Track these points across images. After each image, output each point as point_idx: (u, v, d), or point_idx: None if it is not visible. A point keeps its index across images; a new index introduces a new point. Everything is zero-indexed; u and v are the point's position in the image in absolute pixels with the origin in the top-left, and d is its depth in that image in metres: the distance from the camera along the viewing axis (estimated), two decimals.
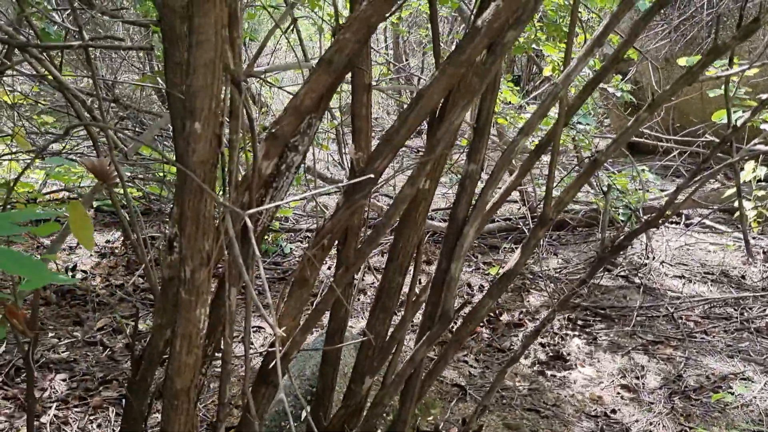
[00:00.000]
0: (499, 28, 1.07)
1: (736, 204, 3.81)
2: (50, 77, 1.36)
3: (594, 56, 1.23)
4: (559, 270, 4.01)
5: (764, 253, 4.05)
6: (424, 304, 1.49)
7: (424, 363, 1.45)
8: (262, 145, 1.16)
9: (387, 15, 1.08)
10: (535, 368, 2.92)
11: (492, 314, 3.44)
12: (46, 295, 3.25)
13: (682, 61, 3.54)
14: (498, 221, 4.58)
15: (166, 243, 1.16)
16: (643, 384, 2.78)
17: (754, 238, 4.13)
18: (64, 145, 3.64)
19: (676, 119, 5.51)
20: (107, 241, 4.14)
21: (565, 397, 2.69)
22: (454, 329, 2.82)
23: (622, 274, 3.87)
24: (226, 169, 1.02)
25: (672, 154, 4.86)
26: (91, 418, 2.37)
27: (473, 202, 1.39)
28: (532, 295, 3.68)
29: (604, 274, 3.83)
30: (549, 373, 2.88)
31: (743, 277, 3.83)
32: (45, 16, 1.56)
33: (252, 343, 2.94)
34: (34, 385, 1.23)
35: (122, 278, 3.62)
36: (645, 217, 3.71)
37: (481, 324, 3.32)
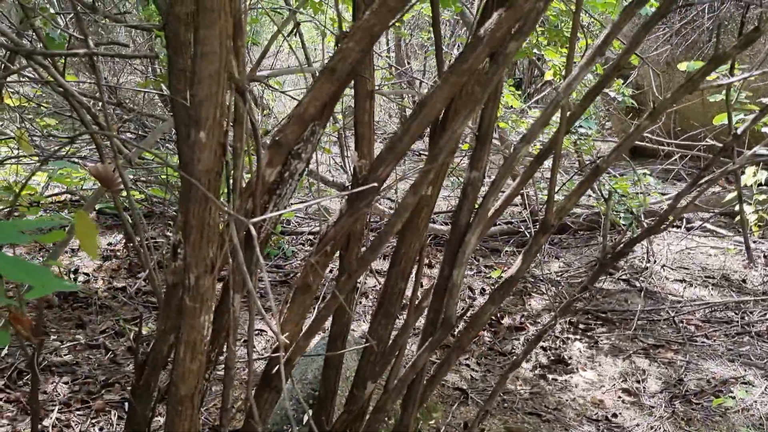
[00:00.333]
0: (501, 38, 1.08)
1: (736, 208, 3.82)
2: (55, 83, 1.37)
3: (595, 63, 1.24)
4: (560, 274, 4.02)
5: (765, 257, 4.06)
6: (426, 309, 1.50)
7: (427, 368, 1.46)
8: (265, 153, 1.17)
9: (390, 24, 1.09)
10: (536, 372, 2.93)
11: (493, 318, 3.44)
12: (48, 298, 3.27)
13: (683, 66, 3.55)
14: (499, 225, 4.59)
15: (170, 249, 1.17)
16: (644, 388, 2.78)
17: (754, 242, 4.14)
18: (68, 149, 3.65)
19: (677, 123, 5.52)
20: (109, 244, 4.15)
21: (567, 400, 2.70)
22: (456, 334, 2.82)
23: (623, 277, 3.88)
24: (230, 177, 1.03)
25: (673, 158, 4.86)
26: (93, 421, 2.38)
27: (475, 208, 1.40)
28: (534, 298, 3.69)
29: (605, 277, 3.83)
30: (550, 376, 2.89)
31: (744, 281, 3.84)
32: (49, 22, 1.57)
33: (254, 347, 2.95)
34: (38, 390, 1.24)
35: (124, 281, 3.63)
36: (646, 221, 3.72)
37: (483, 328, 3.33)
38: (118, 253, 3.99)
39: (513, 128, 3.89)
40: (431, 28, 7.68)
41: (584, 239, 4.56)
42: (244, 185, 1.18)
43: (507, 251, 4.32)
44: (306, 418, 2.15)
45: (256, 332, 3.09)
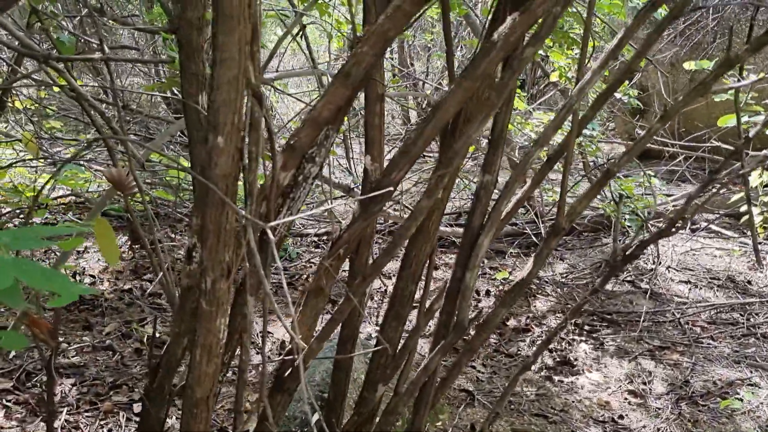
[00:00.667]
0: (515, 43, 1.08)
1: (741, 209, 3.82)
2: (66, 87, 1.37)
3: (608, 67, 1.24)
4: (565, 275, 4.02)
5: None
6: (437, 312, 1.51)
7: (438, 371, 1.46)
8: (279, 157, 1.18)
9: (404, 29, 1.10)
10: (542, 373, 2.93)
11: None
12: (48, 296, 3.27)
13: (689, 65, 3.55)
14: (505, 226, 4.59)
15: (185, 253, 1.18)
16: (650, 389, 2.79)
17: (760, 243, 4.13)
18: (83, 153, 3.66)
19: (681, 124, 5.52)
20: None
21: (573, 402, 2.70)
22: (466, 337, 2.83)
23: (629, 279, 3.88)
24: (246, 181, 1.04)
25: (678, 159, 4.86)
26: (102, 423, 2.39)
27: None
28: (539, 300, 3.69)
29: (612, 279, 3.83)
30: (556, 378, 2.89)
31: (749, 282, 3.84)
32: (59, 26, 1.58)
33: (260, 348, 2.96)
34: (54, 393, 1.24)
35: (130, 283, 3.64)
36: (652, 222, 3.72)
37: (494, 331, 3.33)
38: (124, 255, 4.00)
39: (518, 130, 3.89)
40: (433, 30, 7.68)
41: (589, 240, 4.56)
42: (258, 189, 1.18)
43: (512, 253, 4.33)
44: (314, 419, 2.16)
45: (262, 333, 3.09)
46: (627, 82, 4.60)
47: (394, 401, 1.47)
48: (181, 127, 2.48)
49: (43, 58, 1.12)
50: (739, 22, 5.75)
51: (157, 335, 2.99)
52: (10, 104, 3.17)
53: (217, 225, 0.98)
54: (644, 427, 2.53)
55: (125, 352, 2.88)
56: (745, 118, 3.43)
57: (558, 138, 2.83)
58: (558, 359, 3.05)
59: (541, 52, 3.64)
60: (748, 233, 4.24)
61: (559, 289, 3.77)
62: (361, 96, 1.45)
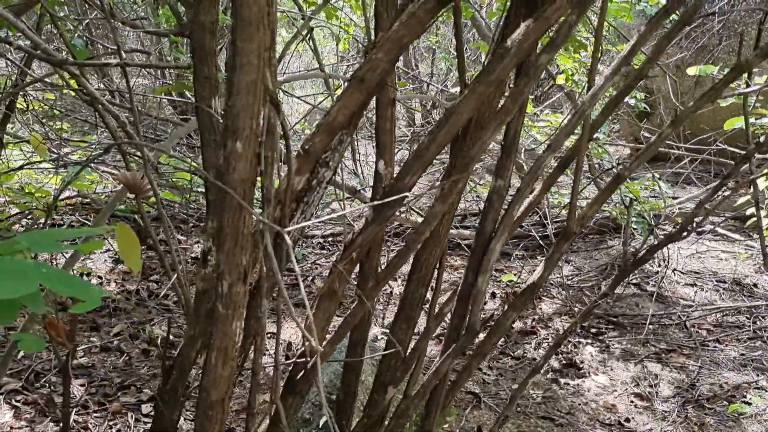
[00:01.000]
0: (528, 49, 1.09)
1: (747, 212, 3.82)
2: (81, 90, 1.38)
3: (620, 74, 1.25)
4: (570, 277, 4.02)
5: None
6: (447, 315, 1.51)
7: (449, 374, 1.47)
8: (294, 161, 1.19)
9: (419, 35, 1.11)
10: (548, 376, 2.94)
11: None
12: (62, 300, 3.29)
13: (692, 71, 3.55)
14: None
15: (200, 256, 1.19)
16: (656, 392, 2.79)
17: (767, 246, 4.13)
18: (95, 157, 3.67)
19: (687, 126, 5.52)
20: None
21: (579, 405, 2.71)
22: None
23: (635, 281, 3.88)
24: (263, 185, 1.05)
25: (683, 162, 4.86)
26: (111, 423, 2.40)
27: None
28: (545, 302, 3.70)
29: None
30: (562, 381, 2.90)
31: (756, 285, 3.84)
32: (76, 30, 1.59)
33: (267, 350, 2.97)
34: (69, 393, 1.25)
35: (137, 284, 3.65)
36: (660, 225, 3.72)
37: (504, 334, 3.34)
38: (121, 255, 4.01)
39: (524, 132, 3.90)
40: (438, 32, 7.69)
41: (594, 243, 4.57)
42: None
43: (517, 255, 4.33)
44: (322, 421, 2.17)
45: (269, 335, 3.11)
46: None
47: (405, 404, 1.48)
48: (189, 130, 2.50)
49: (61, 63, 1.13)
50: (746, 25, 5.74)
51: (164, 336, 3.00)
52: (19, 105, 3.18)
53: (234, 229, 0.99)
54: (651, 430, 2.53)
55: (133, 353, 2.89)
56: (752, 121, 3.43)
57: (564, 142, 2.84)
58: (564, 362, 3.05)
59: None
60: (754, 236, 4.24)
61: (564, 292, 3.77)
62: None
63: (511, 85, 1.22)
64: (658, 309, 3.56)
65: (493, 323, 1.44)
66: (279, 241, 1.17)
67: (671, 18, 1.28)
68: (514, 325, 3.42)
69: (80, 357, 2.83)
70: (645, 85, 6.08)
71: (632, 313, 3.54)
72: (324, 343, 1.34)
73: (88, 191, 4.46)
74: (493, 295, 3.79)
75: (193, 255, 4.05)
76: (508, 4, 1.30)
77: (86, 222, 4.13)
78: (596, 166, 4.63)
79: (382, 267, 1.46)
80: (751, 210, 3.53)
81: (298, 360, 1.36)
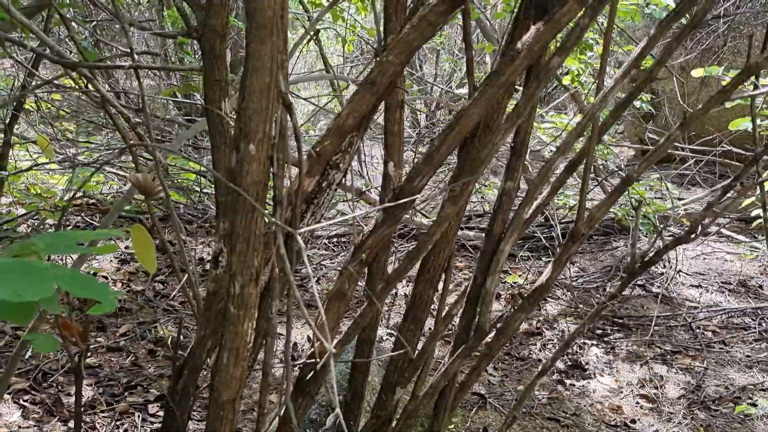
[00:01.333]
0: (539, 52, 1.10)
1: (752, 213, 3.82)
2: (92, 92, 1.39)
3: (630, 77, 1.25)
4: (575, 279, 4.03)
5: None
6: (454, 316, 1.52)
7: (458, 375, 1.48)
8: (304, 163, 1.20)
9: (429, 38, 1.11)
10: (554, 377, 2.94)
11: None
12: (69, 300, 3.30)
13: (697, 73, 3.55)
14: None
15: (211, 258, 1.20)
16: (662, 394, 2.79)
17: None
18: (108, 160, 3.69)
19: (691, 127, 5.51)
20: (126, 247, 4.18)
21: (585, 406, 2.71)
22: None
23: (640, 283, 3.89)
24: (275, 187, 1.06)
25: (688, 163, 4.86)
26: (118, 423, 2.41)
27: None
28: (549, 303, 3.70)
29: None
30: (568, 382, 2.90)
31: (761, 286, 3.84)
32: (89, 31, 1.60)
33: (276, 351, 2.97)
34: (81, 393, 1.26)
35: (142, 284, 3.66)
36: (666, 227, 3.72)
37: (513, 335, 3.34)
38: (136, 256, 4.02)
39: (529, 132, 3.89)
40: (442, 33, 7.69)
41: (599, 244, 4.57)
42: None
43: (522, 256, 4.34)
44: (329, 421, 2.18)
45: (279, 337, 3.11)
46: None
47: (413, 404, 1.49)
48: (196, 131, 2.51)
49: (74, 65, 1.14)
50: (751, 26, 5.74)
51: (174, 336, 3.01)
52: (27, 106, 3.20)
53: (247, 231, 1.00)
54: (656, 431, 2.53)
55: (139, 353, 2.90)
56: (757, 122, 3.42)
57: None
58: (570, 363, 3.06)
59: None
60: (760, 237, 4.24)
61: (569, 293, 3.78)
62: None
63: (520, 87, 1.23)
64: (663, 310, 3.56)
65: (501, 324, 1.45)
66: (290, 242, 1.17)
67: (680, 21, 1.28)
68: (520, 326, 3.42)
69: (87, 357, 2.84)
70: (650, 87, 6.08)
71: (638, 314, 3.54)
72: (334, 343, 1.34)
73: (93, 192, 4.47)
74: (498, 296, 3.79)
75: (198, 256, 4.06)
76: (517, 6, 1.31)
77: (92, 222, 4.15)
78: (601, 167, 4.63)
79: (389, 268, 1.47)
80: (757, 211, 3.53)
81: (307, 361, 1.37)
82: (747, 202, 3.57)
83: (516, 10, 1.34)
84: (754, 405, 2.63)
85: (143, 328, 3.12)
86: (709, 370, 2.97)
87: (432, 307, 1.62)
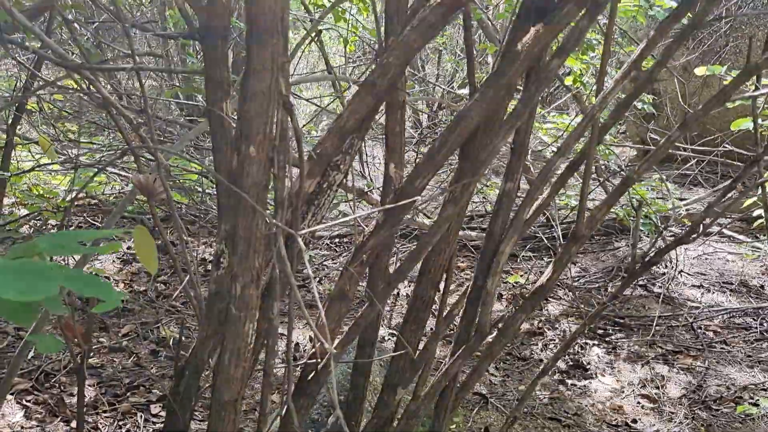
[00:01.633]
0: (539, 53, 1.10)
1: (754, 213, 3.82)
2: (94, 94, 1.40)
3: (629, 78, 1.26)
4: (577, 279, 4.03)
5: None
6: (455, 317, 1.53)
7: (459, 375, 1.48)
8: (305, 165, 1.20)
9: (430, 40, 1.12)
10: (555, 377, 2.94)
11: None
12: (71, 300, 3.31)
13: (700, 71, 3.55)
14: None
15: (213, 259, 1.20)
16: (663, 394, 2.79)
17: None
18: (111, 161, 3.70)
19: (693, 127, 5.51)
20: (129, 248, 4.19)
21: (586, 406, 2.71)
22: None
23: (641, 283, 3.89)
24: (276, 189, 1.06)
25: (690, 163, 4.86)
26: (120, 423, 2.41)
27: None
28: (551, 303, 3.70)
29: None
30: (569, 382, 2.90)
31: (762, 287, 3.84)
32: (92, 34, 1.61)
33: (278, 351, 2.98)
34: (84, 393, 1.27)
35: (144, 285, 3.67)
36: (667, 227, 3.72)
37: (514, 336, 3.35)
38: (138, 257, 4.03)
39: (532, 134, 3.90)
40: (445, 33, 7.69)
41: (600, 244, 4.57)
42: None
43: (524, 256, 4.34)
44: (331, 421, 2.18)
45: (280, 337, 3.12)
46: None
47: (415, 405, 1.49)
48: (198, 132, 2.51)
49: (77, 67, 1.15)
50: (753, 26, 5.74)
51: (176, 337, 3.02)
52: (29, 107, 3.21)
53: (247, 232, 1.01)
54: (657, 431, 2.53)
55: (142, 354, 2.91)
56: (759, 122, 3.42)
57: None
58: (571, 363, 3.06)
59: None
60: (761, 237, 4.24)
61: (571, 293, 3.78)
62: None
63: (521, 89, 1.24)
64: (664, 310, 3.56)
65: (502, 325, 1.45)
66: (291, 244, 1.18)
67: (681, 22, 1.29)
68: (521, 326, 3.43)
69: (89, 357, 2.84)
70: (652, 87, 6.08)
71: (639, 314, 3.54)
72: (335, 344, 1.35)
73: (96, 192, 4.48)
74: (500, 296, 3.80)
75: (201, 256, 4.07)
76: (517, 7, 1.31)
77: (94, 223, 4.16)
78: (602, 167, 4.63)
79: (390, 269, 1.48)
80: (759, 212, 3.53)
81: (309, 361, 1.38)
82: (749, 202, 3.58)
83: (516, 11, 1.35)
84: (756, 405, 2.63)
85: (145, 329, 3.12)
86: (710, 370, 2.97)
87: (434, 307, 1.63)
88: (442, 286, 1.54)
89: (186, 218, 4.52)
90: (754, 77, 1.82)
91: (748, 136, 3.32)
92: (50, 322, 2.56)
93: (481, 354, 1.47)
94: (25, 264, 0.80)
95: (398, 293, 3.73)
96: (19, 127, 5.03)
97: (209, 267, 3.02)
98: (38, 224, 3.89)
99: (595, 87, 1.35)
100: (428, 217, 4.20)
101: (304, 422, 2.18)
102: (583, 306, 3.63)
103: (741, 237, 4.52)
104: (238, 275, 1.04)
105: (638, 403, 2.74)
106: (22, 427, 2.31)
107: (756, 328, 3.34)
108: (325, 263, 4.16)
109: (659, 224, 3.54)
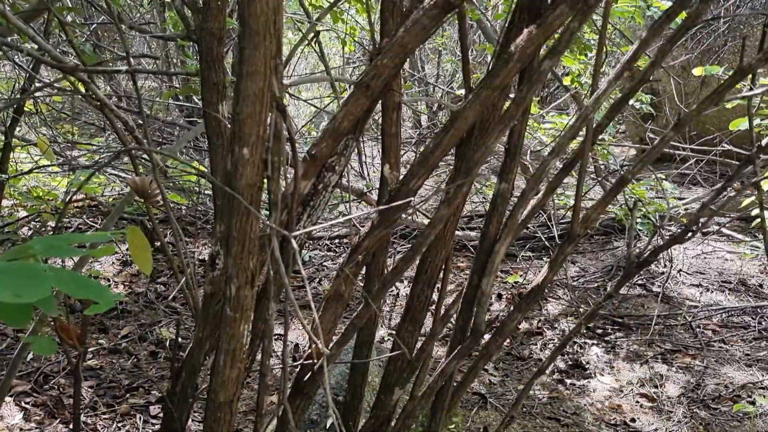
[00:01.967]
0: (531, 54, 1.10)
1: (753, 213, 3.82)
2: (90, 96, 1.41)
3: (623, 78, 1.26)
4: (576, 278, 4.03)
5: None
6: (451, 317, 1.53)
7: (455, 375, 1.48)
8: (300, 166, 1.20)
9: (423, 41, 1.12)
10: (554, 377, 2.94)
11: None
12: (70, 302, 3.31)
13: (698, 72, 3.55)
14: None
15: (208, 260, 1.21)
16: (662, 393, 2.80)
17: None
18: (108, 162, 3.70)
19: (692, 127, 5.51)
20: (128, 249, 4.19)
21: (585, 405, 2.72)
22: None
23: (640, 282, 3.89)
24: (270, 190, 1.06)
25: (689, 162, 4.86)
26: (119, 425, 2.42)
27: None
28: (550, 303, 3.71)
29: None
30: (568, 381, 2.90)
31: (761, 285, 3.84)
32: (86, 36, 1.62)
33: (275, 352, 2.98)
34: (80, 395, 1.27)
35: (144, 286, 3.67)
36: (664, 226, 3.73)
37: (510, 336, 3.35)
38: (132, 259, 4.03)
39: (530, 134, 3.91)
40: (444, 33, 7.70)
41: (600, 244, 4.57)
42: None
43: (523, 256, 4.34)
44: (329, 422, 2.19)
45: (278, 338, 3.12)
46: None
47: (411, 405, 1.49)
48: (196, 133, 2.52)
49: (72, 69, 1.15)
50: (751, 26, 5.74)
51: (174, 338, 3.02)
52: (27, 108, 3.21)
53: (242, 233, 1.01)
54: (656, 430, 2.54)
55: (141, 355, 2.91)
56: (757, 122, 3.43)
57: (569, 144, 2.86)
58: (570, 362, 3.06)
59: None
60: (760, 236, 4.24)
61: (570, 293, 3.78)
62: None
63: (515, 89, 1.24)
64: (663, 309, 3.56)
65: (498, 324, 1.46)
66: (285, 245, 1.18)
67: (675, 21, 1.29)
68: (520, 326, 3.43)
69: (89, 359, 2.85)
70: (651, 87, 6.08)
71: (638, 313, 3.55)
72: (331, 345, 1.35)
73: (95, 194, 4.49)
74: (500, 296, 3.80)
75: (200, 257, 4.07)
76: (512, 9, 1.32)
77: (93, 224, 4.16)
78: (602, 167, 4.64)
79: (388, 269, 1.48)
80: (756, 210, 3.53)
81: (305, 362, 1.38)
82: (747, 201, 3.58)
83: (511, 12, 1.35)
84: (753, 403, 2.63)
85: (144, 330, 3.13)
86: (708, 368, 2.97)
87: (431, 307, 1.63)
88: (439, 286, 1.55)
89: (185, 219, 4.52)
90: (750, 77, 1.82)
91: (747, 135, 3.31)
92: (48, 324, 2.57)
93: (477, 354, 1.48)
94: (19, 266, 0.80)
95: (398, 293, 3.74)
96: (17, 128, 5.04)
97: None
98: (37, 226, 3.90)
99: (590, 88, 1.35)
100: (428, 217, 4.20)
101: (302, 423, 2.18)
102: (582, 306, 3.64)
103: (740, 236, 4.52)
104: (233, 276, 1.04)
105: (637, 402, 2.75)
106: (21, 429, 2.31)
107: (754, 326, 3.35)
108: (324, 264, 4.16)
109: (657, 224, 3.54)
